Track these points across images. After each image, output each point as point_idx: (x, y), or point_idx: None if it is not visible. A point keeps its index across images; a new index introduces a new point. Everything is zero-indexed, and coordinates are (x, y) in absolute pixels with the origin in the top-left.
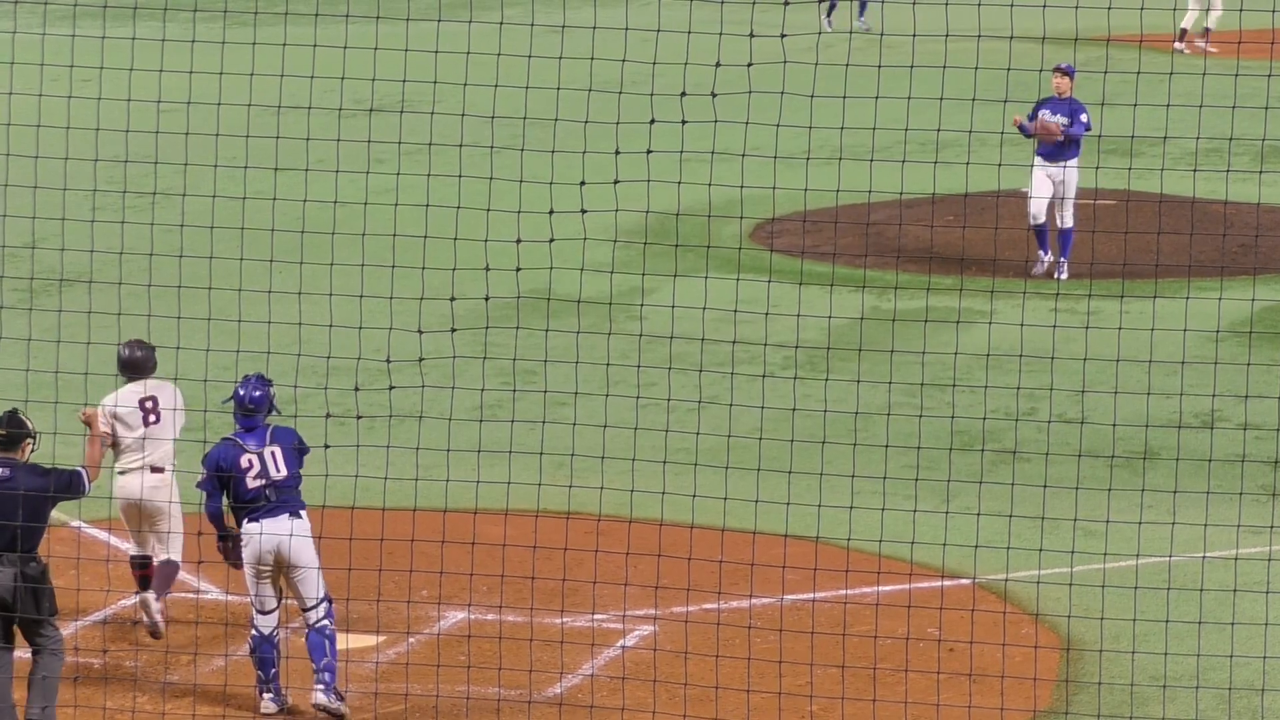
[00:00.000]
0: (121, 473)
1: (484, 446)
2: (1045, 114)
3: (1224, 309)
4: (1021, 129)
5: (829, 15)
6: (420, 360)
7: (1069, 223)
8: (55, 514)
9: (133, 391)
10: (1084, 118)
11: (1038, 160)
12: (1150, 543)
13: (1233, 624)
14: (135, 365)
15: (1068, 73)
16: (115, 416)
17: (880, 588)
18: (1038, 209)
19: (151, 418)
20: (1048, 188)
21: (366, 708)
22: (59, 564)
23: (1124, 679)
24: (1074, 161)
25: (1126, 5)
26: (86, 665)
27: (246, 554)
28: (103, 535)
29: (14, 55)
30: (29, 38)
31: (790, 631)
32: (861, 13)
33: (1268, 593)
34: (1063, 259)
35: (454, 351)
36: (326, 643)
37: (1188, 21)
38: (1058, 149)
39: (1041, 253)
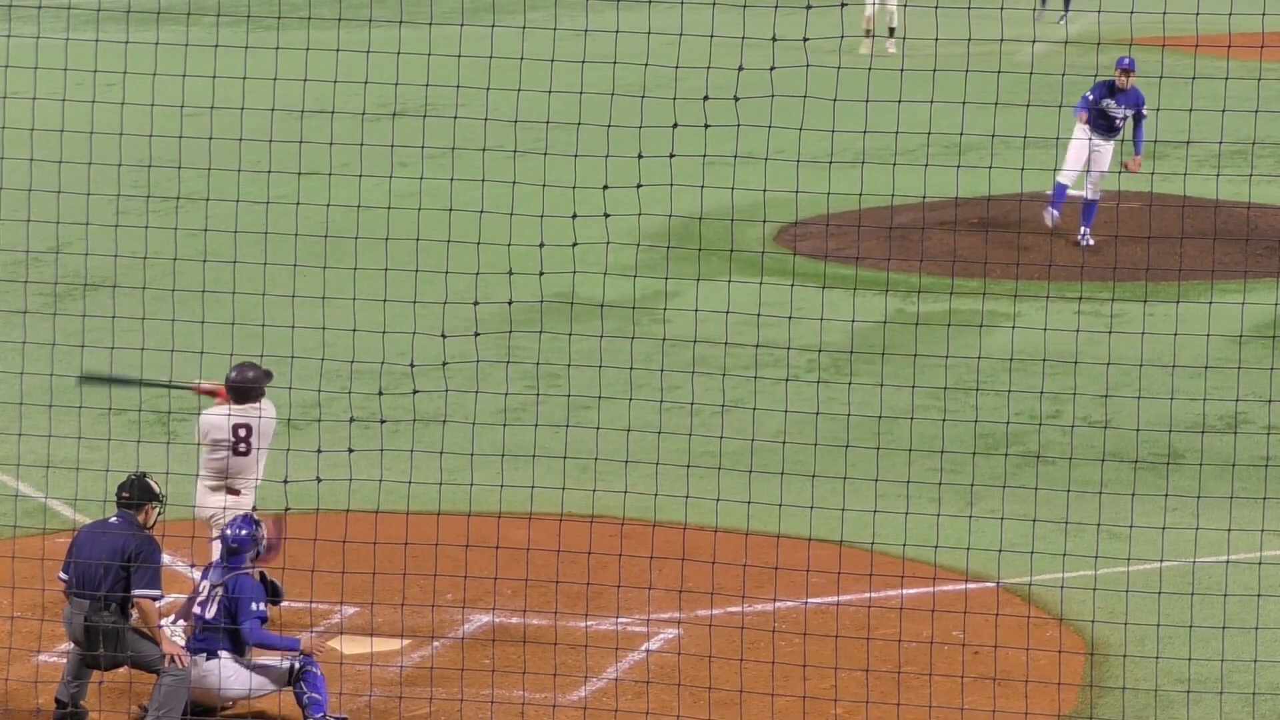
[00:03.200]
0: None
1: (508, 450)
2: (1112, 104)
3: (1248, 312)
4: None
5: (1044, 5)
6: (444, 364)
7: (1094, 195)
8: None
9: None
10: (1145, 109)
11: (1086, 132)
12: (1174, 546)
13: (1257, 628)
14: (239, 391)
15: (1129, 70)
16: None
17: (904, 591)
18: (1072, 178)
19: (242, 446)
20: (1084, 160)
21: (391, 711)
22: None
23: (1148, 683)
24: (1115, 139)
25: (1149, 9)
26: (111, 670)
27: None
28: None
29: (38, 60)
30: (53, 43)
31: (814, 635)
32: (1045, 4)
33: None
34: (1085, 228)
35: (477, 355)
36: None
37: (866, 22)
38: (1110, 129)
39: (1054, 210)
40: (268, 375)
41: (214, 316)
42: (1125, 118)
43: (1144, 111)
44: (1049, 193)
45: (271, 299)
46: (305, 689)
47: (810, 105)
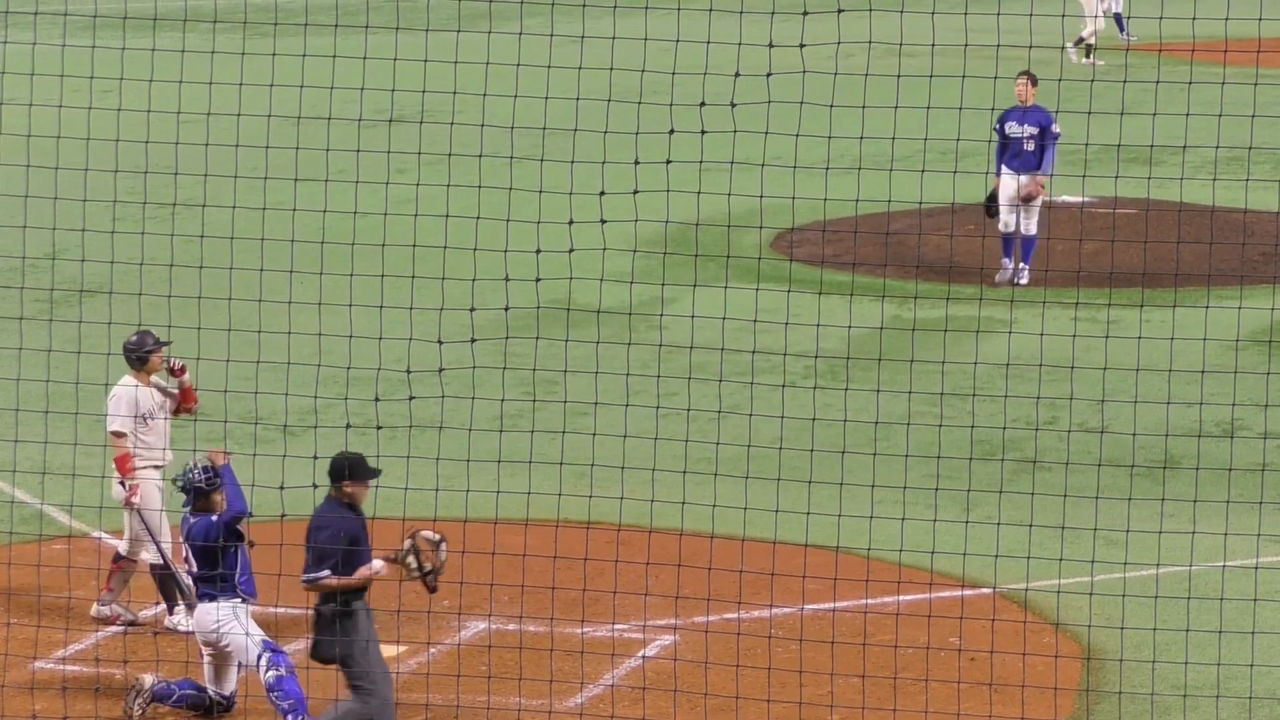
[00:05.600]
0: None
1: (504, 456)
2: (1012, 124)
3: (1244, 317)
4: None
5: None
6: (440, 371)
7: (1032, 230)
8: (79, 525)
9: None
10: (1055, 128)
11: (1005, 170)
12: (1171, 552)
13: (1254, 633)
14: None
15: (1034, 78)
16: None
17: (901, 597)
18: (1009, 217)
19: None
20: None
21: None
22: (80, 574)
23: (1145, 688)
24: (1034, 169)
25: (1145, 15)
26: (108, 675)
27: None
28: (123, 545)
29: (34, 67)
30: (49, 49)
31: (811, 641)
32: (1122, 28)
33: None
34: (1024, 265)
35: (474, 362)
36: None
37: (1086, 33)
38: (1026, 158)
39: (1006, 260)
40: (138, 341)
41: (210, 323)
42: (1030, 138)
43: (1054, 130)
44: (1046, 198)
45: (268, 305)
46: (278, 699)
47: (807, 111)
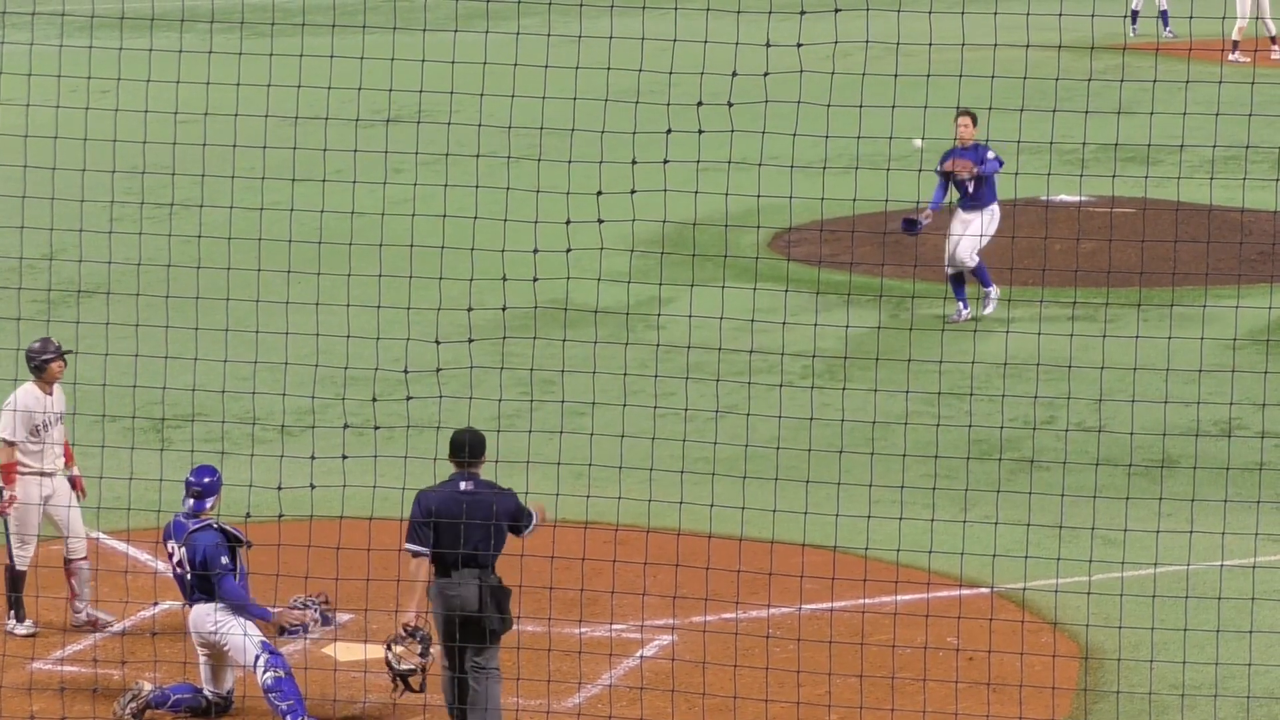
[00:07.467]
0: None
1: (501, 457)
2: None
3: (1241, 317)
4: (912, 227)
5: (1134, 26)
6: (438, 370)
7: (974, 261)
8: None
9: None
10: (990, 155)
11: (959, 212)
12: (1168, 551)
13: (1251, 632)
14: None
15: (971, 119)
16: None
17: (898, 597)
18: (974, 257)
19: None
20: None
21: (386, 717)
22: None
23: (1143, 687)
24: (993, 206)
25: (1143, 14)
26: (106, 676)
27: None
28: (121, 546)
29: (31, 67)
30: (46, 49)
31: (808, 641)
32: (1166, 24)
33: None
34: (987, 290)
35: (471, 361)
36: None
37: (1236, 33)
38: (975, 197)
39: (961, 304)
40: (39, 349)
41: (208, 323)
42: (973, 178)
43: (990, 157)
44: (1043, 197)
45: (265, 305)
46: (277, 700)
47: (804, 111)
